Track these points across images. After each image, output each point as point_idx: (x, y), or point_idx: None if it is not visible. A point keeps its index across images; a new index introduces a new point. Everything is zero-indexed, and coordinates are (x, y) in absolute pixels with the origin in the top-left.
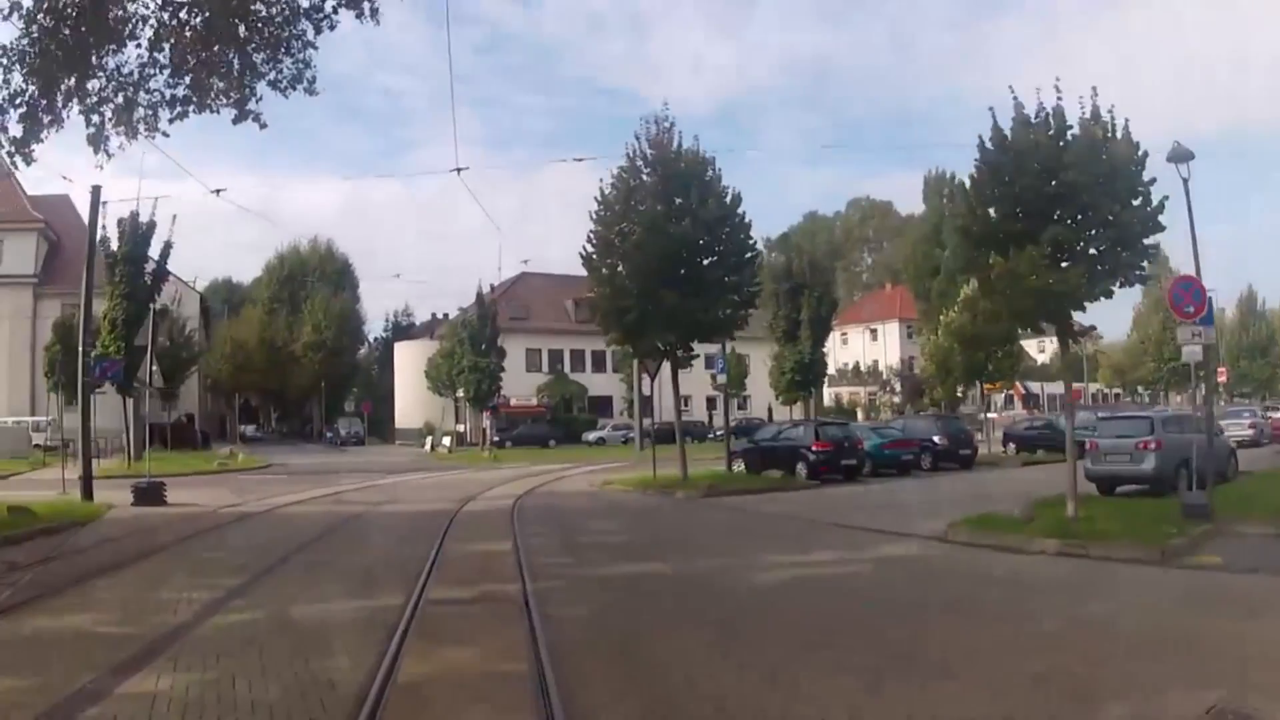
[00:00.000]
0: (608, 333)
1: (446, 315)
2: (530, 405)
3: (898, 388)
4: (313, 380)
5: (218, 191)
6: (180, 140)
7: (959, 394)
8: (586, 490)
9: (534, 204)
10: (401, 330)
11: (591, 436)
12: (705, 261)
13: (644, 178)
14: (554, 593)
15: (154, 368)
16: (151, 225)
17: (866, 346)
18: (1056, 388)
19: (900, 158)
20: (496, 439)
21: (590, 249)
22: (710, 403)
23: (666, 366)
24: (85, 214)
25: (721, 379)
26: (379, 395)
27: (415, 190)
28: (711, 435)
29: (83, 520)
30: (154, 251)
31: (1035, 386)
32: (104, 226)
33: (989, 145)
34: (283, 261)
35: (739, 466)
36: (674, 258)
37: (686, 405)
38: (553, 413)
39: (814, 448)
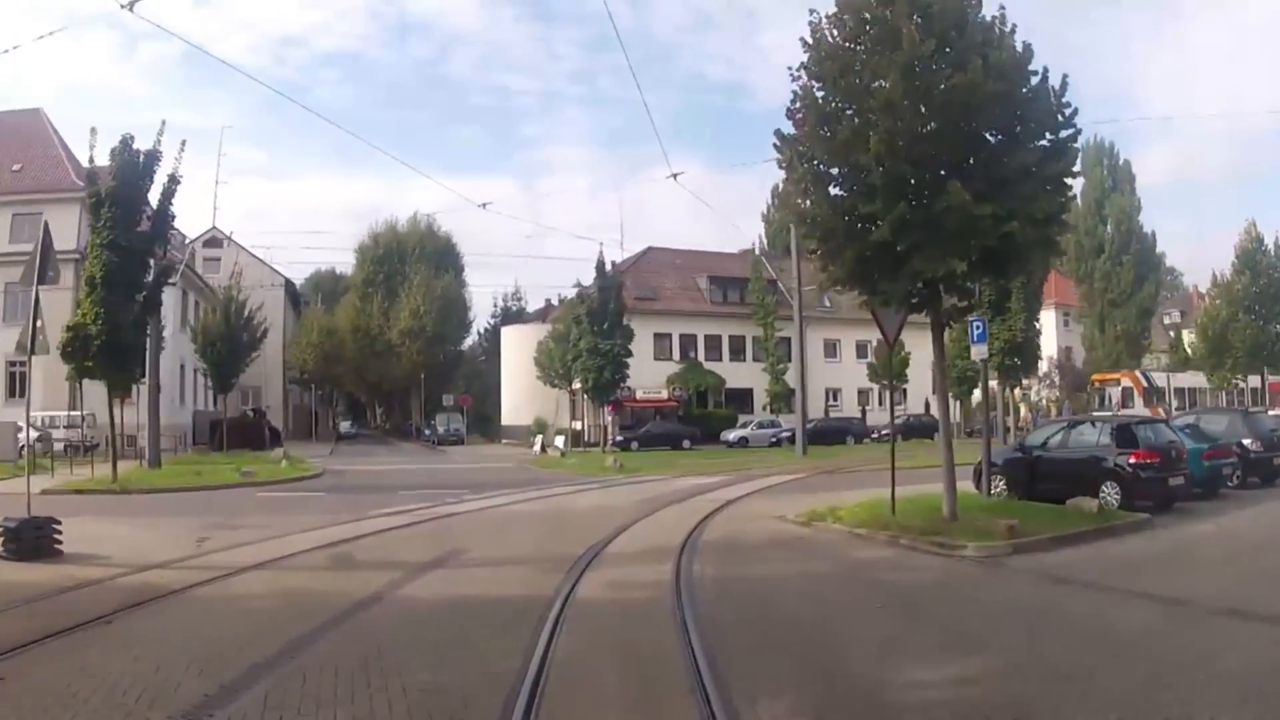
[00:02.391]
0: (828, 266)
1: (563, 300)
2: (659, 398)
3: (1057, 380)
4: (411, 372)
5: (130, 5)
6: (281, 142)
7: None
8: (787, 534)
9: (651, 200)
10: (512, 315)
11: (732, 436)
12: (1003, 137)
13: (882, 10)
14: None
15: (39, 323)
16: (153, 156)
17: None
18: (1186, 379)
19: None
20: (620, 438)
21: (795, 131)
22: (863, 396)
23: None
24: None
25: (980, 351)
26: (485, 388)
27: (531, 188)
28: (874, 435)
29: None
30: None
31: (1159, 377)
32: (92, 160)
33: None
34: (377, 241)
35: (998, 487)
36: (954, 129)
37: (835, 400)
38: (685, 407)
39: (1132, 460)
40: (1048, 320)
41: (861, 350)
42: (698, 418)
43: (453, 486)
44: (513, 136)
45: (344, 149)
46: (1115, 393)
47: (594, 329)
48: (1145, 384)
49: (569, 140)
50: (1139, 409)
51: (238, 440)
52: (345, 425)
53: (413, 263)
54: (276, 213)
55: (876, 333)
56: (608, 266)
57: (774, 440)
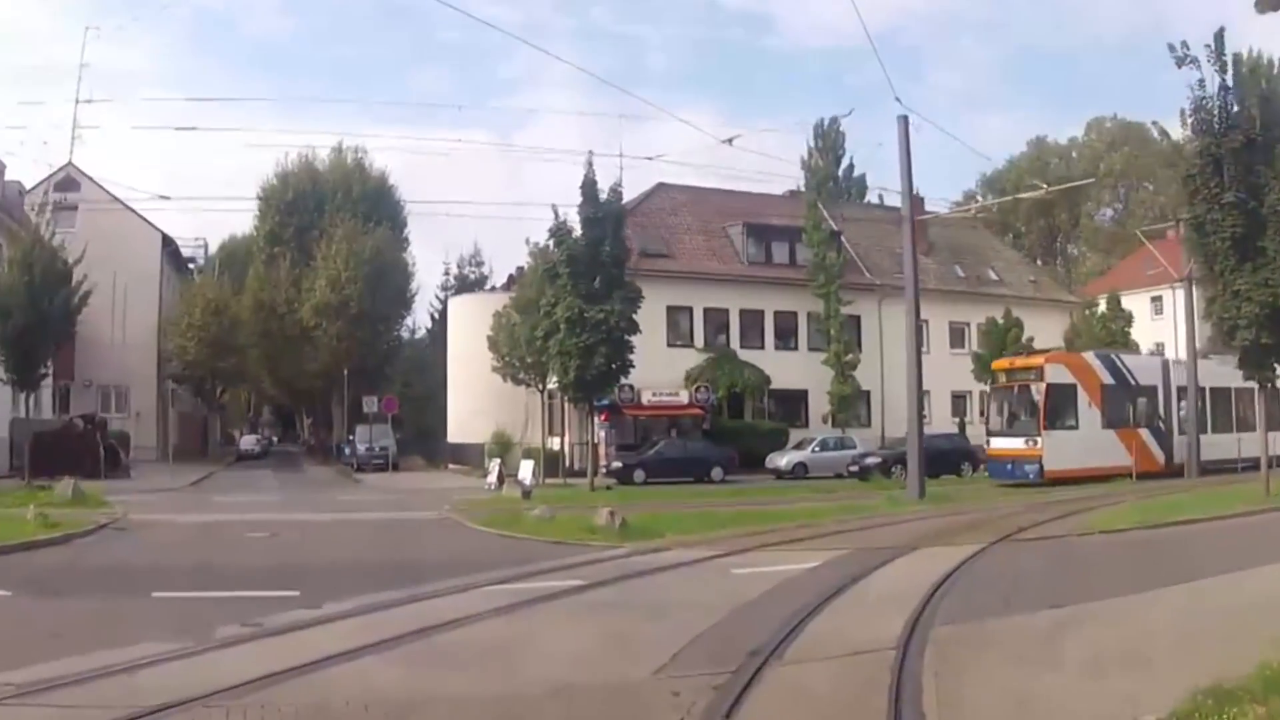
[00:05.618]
0: None
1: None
2: (675, 403)
3: None
4: (331, 365)
5: None
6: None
7: None
8: None
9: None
10: (469, 286)
11: (783, 461)
12: None
13: None
14: None
15: None
16: None
17: (1147, 321)
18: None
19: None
20: (617, 464)
21: None
22: (959, 402)
23: None
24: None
25: None
26: (432, 389)
27: (508, 141)
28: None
29: None
30: None
31: (1146, 364)
32: None
33: None
34: (286, 183)
35: None
36: None
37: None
38: (712, 417)
39: None
40: (1183, 301)
41: (957, 337)
42: (731, 432)
43: (266, 585)
44: (487, 80)
45: (284, 96)
46: (1037, 391)
47: (578, 287)
48: (1107, 377)
49: (555, 84)
50: (1086, 422)
51: (61, 462)
52: (248, 441)
53: (333, 212)
54: (196, 173)
55: (980, 310)
56: (602, 189)
57: (854, 469)
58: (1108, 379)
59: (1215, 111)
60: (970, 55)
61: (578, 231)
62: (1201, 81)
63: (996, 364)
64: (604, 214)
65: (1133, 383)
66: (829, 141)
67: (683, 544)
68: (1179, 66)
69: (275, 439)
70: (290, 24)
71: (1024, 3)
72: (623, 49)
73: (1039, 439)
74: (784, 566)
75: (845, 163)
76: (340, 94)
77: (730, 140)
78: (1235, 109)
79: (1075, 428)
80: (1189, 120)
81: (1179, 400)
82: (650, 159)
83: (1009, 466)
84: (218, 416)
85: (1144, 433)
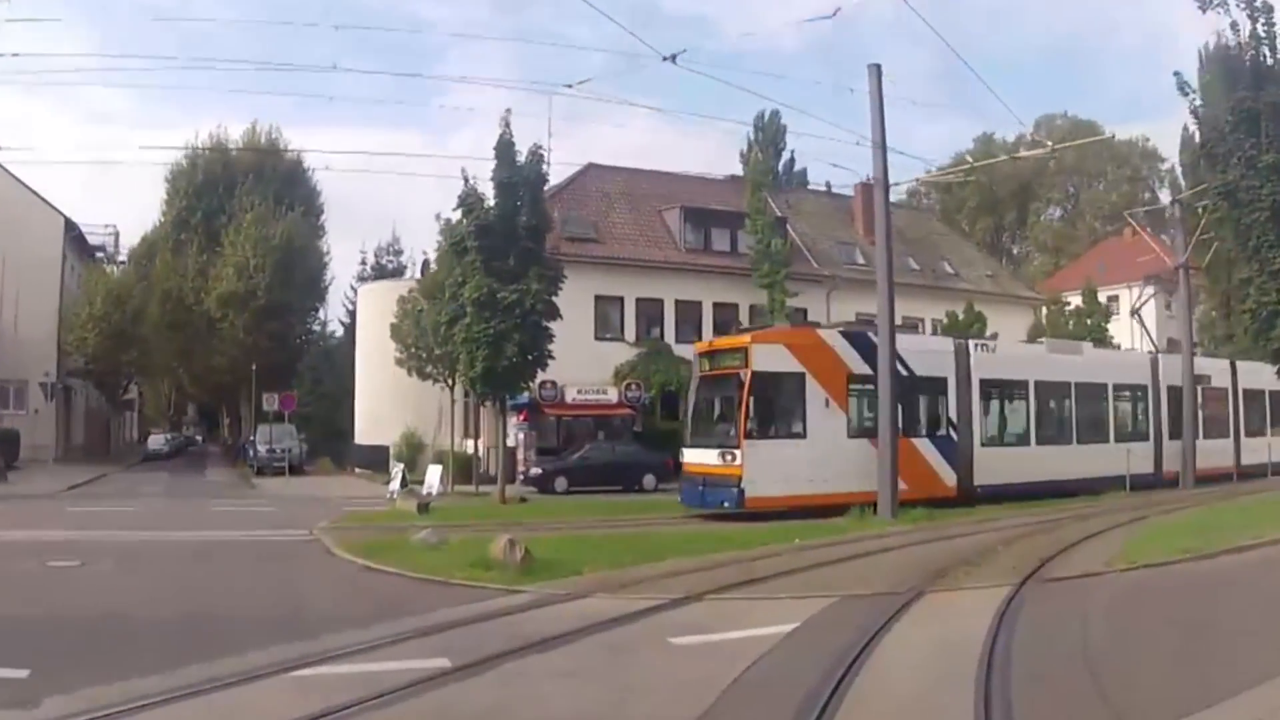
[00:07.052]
0: None
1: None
2: (603, 402)
3: None
4: (241, 360)
5: None
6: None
7: None
8: None
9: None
10: (387, 276)
11: None
12: None
13: None
14: None
15: None
16: None
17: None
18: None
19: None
20: (536, 470)
21: None
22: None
23: None
24: None
25: None
26: (345, 387)
27: (442, 144)
28: None
29: None
30: None
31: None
32: None
33: None
34: (195, 165)
35: None
36: None
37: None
38: (644, 417)
39: None
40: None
41: (910, 332)
42: (665, 435)
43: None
44: (423, 79)
45: (226, 94)
46: (742, 382)
47: (489, 264)
48: (860, 365)
49: (492, 84)
50: (821, 428)
51: None
52: (157, 440)
53: (244, 195)
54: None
55: (937, 305)
56: (519, 150)
57: None
58: (860, 368)
59: (1248, 62)
60: (910, 59)
61: (490, 200)
62: (1234, 25)
63: (698, 346)
64: (520, 179)
65: (904, 373)
66: (769, 134)
67: (603, 588)
68: (1203, 11)
69: (201, 438)
70: (224, 14)
71: (964, 6)
72: (559, 48)
73: (736, 452)
74: (748, 631)
75: (786, 156)
76: (272, 88)
77: (673, 57)
78: (1270, 61)
79: (800, 436)
80: (1216, 73)
81: (981, 398)
82: (570, 87)
83: (700, 488)
84: (124, 414)
85: (921, 444)
